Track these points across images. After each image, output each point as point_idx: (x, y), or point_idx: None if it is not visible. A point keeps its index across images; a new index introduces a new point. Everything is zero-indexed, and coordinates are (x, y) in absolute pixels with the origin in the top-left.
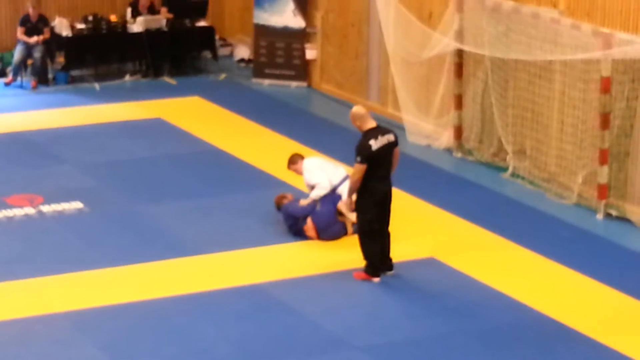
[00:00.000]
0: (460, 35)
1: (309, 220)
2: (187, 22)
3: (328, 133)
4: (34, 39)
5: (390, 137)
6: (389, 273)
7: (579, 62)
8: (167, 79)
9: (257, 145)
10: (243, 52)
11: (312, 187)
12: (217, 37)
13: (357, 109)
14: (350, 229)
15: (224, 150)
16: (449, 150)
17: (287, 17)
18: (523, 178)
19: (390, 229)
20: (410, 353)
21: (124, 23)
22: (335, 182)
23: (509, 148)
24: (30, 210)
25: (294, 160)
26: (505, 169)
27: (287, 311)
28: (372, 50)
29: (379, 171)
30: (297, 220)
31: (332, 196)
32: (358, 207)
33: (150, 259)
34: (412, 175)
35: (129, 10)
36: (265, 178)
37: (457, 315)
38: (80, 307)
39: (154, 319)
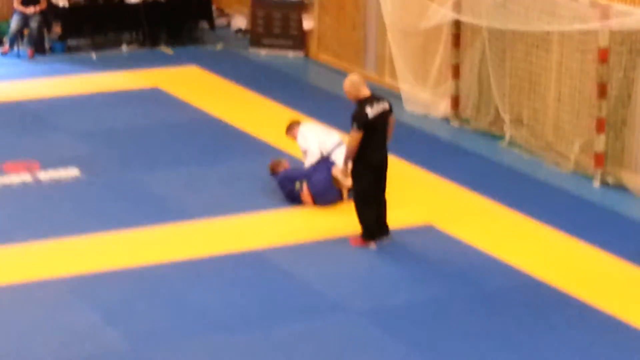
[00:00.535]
0: (457, 5)
1: (304, 187)
2: None
3: (325, 102)
4: (31, 9)
5: (385, 105)
6: (386, 238)
7: (577, 32)
8: (164, 49)
9: (254, 114)
10: (240, 22)
11: (304, 152)
12: (214, 7)
13: (352, 76)
14: (345, 195)
15: (221, 119)
16: (446, 119)
17: None
18: (520, 147)
19: (387, 196)
20: (407, 317)
21: None
22: (328, 147)
23: (506, 117)
24: (26, 177)
25: (291, 127)
26: (502, 138)
27: (284, 277)
28: (370, 20)
29: (375, 139)
30: (293, 186)
31: (327, 163)
32: (354, 174)
33: (146, 225)
34: (410, 143)
35: None
36: (262, 146)
37: (453, 280)
38: (77, 272)
39: (150, 284)
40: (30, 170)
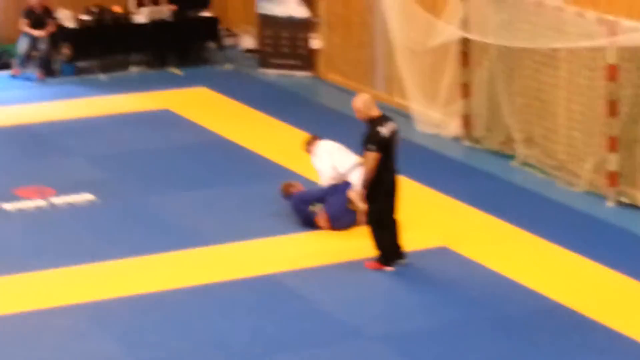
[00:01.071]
0: (465, 23)
1: (320, 211)
2: (191, 12)
3: (334, 122)
4: (40, 32)
5: (394, 126)
6: (401, 261)
7: (585, 49)
8: (173, 70)
9: (265, 135)
10: (248, 42)
11: (318, 171)
12: (221, 27)
13: (362, 96)
14: (362, 218)
15: (232, 141)
16: (457, 139)
17: (291, 7)
18: (532, 166)
19: (401, 217)
20: (425, 342)
21: (127, 14)
22: (343, 169)
23: (517, 136)
24: (41, 203)
25: (310, 142)
26: (514, 157)
27: (300, 302)
28: (377, 39)
29: (388, 161)
30: (307, 209)
31: (344, 185)
32: (368, 197)
33: (162, 250)
34: (422, 163)
35: (132, 1)
36: (273, 167)
37: (471, 304)
38: (93, 299)
39: (166, 310)
40: (44, 195)
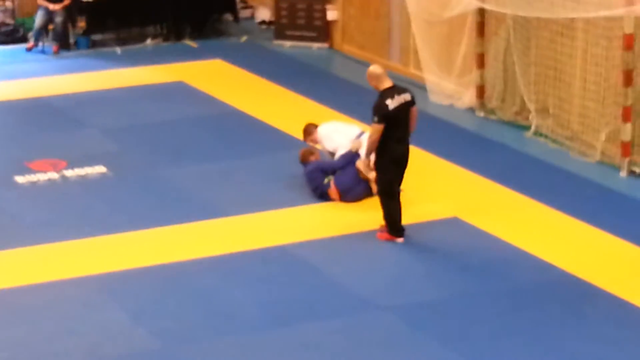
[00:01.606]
0: None
1: (331, 183)
2: None
3: (350, 94)
4: (56, 5)
5: (406, 97)
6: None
7: (602, 19)
8: (188, 42)
9: (279, 107)
10: (264, 14)
11: (333, 151)
12: None
13: (373, 68)
14: (374, 188)
15: (246, 113)
16: (471, 110)
17: None
18: (546, 136)
19: (412, 189)
20: (435, 313)
21: None
22: (351, 138)
23: (531, 106)
24: (53, 175)
25: (308, 131)
26: (528, 128)
27: (312, 272)
28: (394, 10)
29: (397, 131)
30: (322, 180)
31: (353, 157)
32: (378, 168)
33: (175, 222)
34: (435, 135)
35: None
36: (287, 140)
37: (481, 274)
38: (106, 270)
39: (179, 281)
40: (56, 167)
